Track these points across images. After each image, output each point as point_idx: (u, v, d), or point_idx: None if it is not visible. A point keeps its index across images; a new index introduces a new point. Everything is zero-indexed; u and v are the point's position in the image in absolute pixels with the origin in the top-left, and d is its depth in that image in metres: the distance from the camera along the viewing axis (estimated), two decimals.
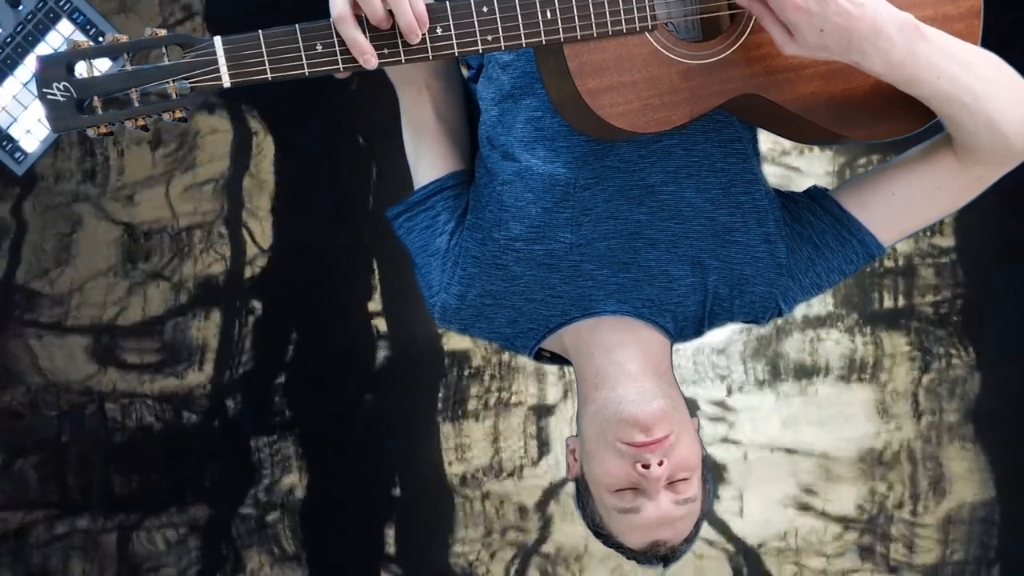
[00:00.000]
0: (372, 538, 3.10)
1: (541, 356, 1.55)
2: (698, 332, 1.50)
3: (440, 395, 3.09)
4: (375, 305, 3.08)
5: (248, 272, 3.06)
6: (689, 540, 1.47)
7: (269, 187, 3.06)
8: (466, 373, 3.08)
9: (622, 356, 1.44)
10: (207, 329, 3.06)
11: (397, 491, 3.10)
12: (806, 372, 3.07)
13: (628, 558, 1.49)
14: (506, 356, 3.07)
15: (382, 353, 3.09)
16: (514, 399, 3.09)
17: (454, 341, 3.06)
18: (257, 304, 3.08)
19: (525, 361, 3.02)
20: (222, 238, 3.06)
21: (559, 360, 1.55)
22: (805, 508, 3.07)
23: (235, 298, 3.07)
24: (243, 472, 3.07)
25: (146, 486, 3.07)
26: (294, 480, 3.07)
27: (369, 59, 1.19)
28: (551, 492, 3.08)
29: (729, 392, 3.08)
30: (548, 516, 3.08)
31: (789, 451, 3.08)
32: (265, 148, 3.06)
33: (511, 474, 3.08)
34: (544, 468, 3.08)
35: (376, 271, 3.08)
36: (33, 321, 3.04)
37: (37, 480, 3.06)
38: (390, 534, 3.10)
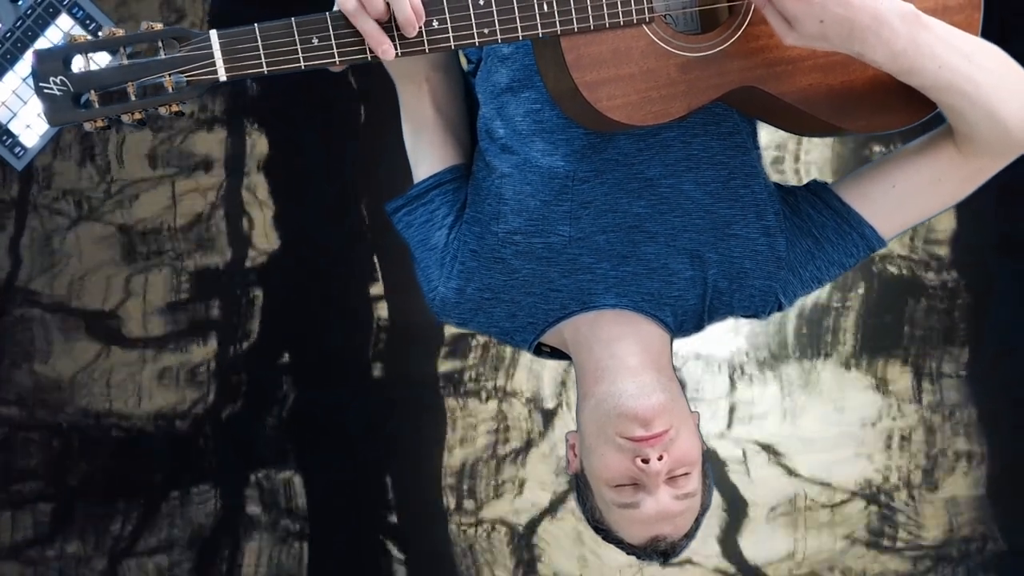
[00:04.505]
0: (373, 525, 3.11)
1: (541, 350, 1.54)
2: (698, 326, 1.50)
3: (440, 383, 3.10)
4: (377, 292, 3.10)
5: (249, 264, 3.07)
6: (689, 535, 1.46)
7: (269, 180, 3.06)
8: (466, 362, 3.09)
9: (622, 350, 1.43)
10: (206, 327, 3.07)
11: (398, 483, 3.11)
12: (806, 366, 3.07)
13: (628, 553, 1.49)
14: (504, 356, 3.09)
15: (382, 343, 3.10)
16: (512, 387, 3.10)
17: (454, 341, 3.08)
18: (258, 294, 3.09)
19: (522, 360, 3.04)
20: (222, 231, 3.06)
21: (559, 355, 1.55)
22: (803, 502, 3.08)
23: (235, 291, 3.07)
24: (243, 460, 3.09)
25: (145, 477, 3.09)
26: (294, 468, 3.08)
27: (388, 50, 1.18)
28: (552, 483, 3.09)
29: (732, 385, 3.08)
30: (549, 507, 3.09)
31: (787, 445, 3.09)
32: (264, 142, 3.07)
33: (511, 460, 3.09)
34: (543, 455, 3.09)
35: (377, 263, 3.09)
36: (36, 305, 3.05)
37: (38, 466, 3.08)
38: (391, 525, 3.11)
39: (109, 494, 3.08)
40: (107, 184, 3.05)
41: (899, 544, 3.06)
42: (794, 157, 3.04)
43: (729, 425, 3.08)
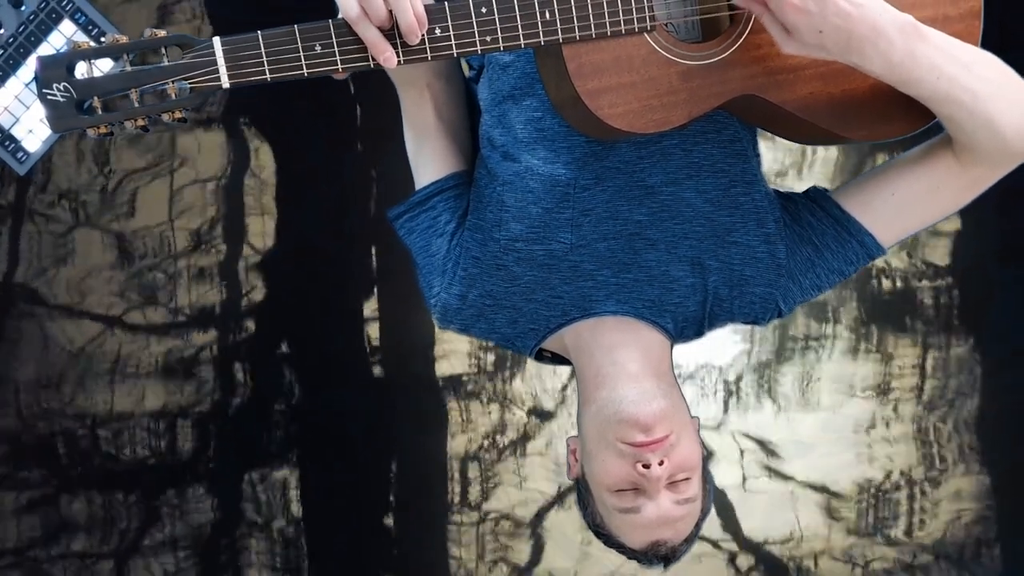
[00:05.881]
0: (373, 540, 3.12)
1: (542, 356, 1.55)
2: (698, 333, 1.51)
3: (439, 397, 3.10)
4: (373, 305, 3.10)
5: (247, 273, 3.07)
6: (689, 540, 1.47)
7: (270, 188, 3.07)
8: (465, 374, 3.09)
9: (623, 356, 1.44)
10: (204, 333, 3.07)
11: (396, 494, 3.11)
12: (806, 377, 3.08)
13: (629, 558, 1.49)
14: (505, 356, 3.08)
15: (380, 355, 3.10)
16: (512, 399, 3.10)
17: (452, 342, 3.07)
18: (257, 297, 3.09)
19: (523, 361, 3.04)
20: (222, 240, 3.07)
21: (560, 360, 1.55)
22: (803, 512, 3.08)
23: (233, 301, 3.08)
24: (241, 472, 3.09)
25: (144, 491, 3.09)
26: (291, 480, 3.08)
27: (390, 57, 1.19)
28: (553, 493, 3.09)
29: (726, 407, 3.09)
30: (550, 519, 3.09)
31: (788, 455, 3.09)
32: (264, 150, 3.07)
33: (512, 463, 3.10)
34: (544, 470, 3.09)
35: (375, 271, 3.10)
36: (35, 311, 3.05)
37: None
38: (390, 539, 3.11)
39: (104, 502, 3.08)
40: (105, 179, 3.04)
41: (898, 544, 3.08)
42: (796, 167, 3.05)
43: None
